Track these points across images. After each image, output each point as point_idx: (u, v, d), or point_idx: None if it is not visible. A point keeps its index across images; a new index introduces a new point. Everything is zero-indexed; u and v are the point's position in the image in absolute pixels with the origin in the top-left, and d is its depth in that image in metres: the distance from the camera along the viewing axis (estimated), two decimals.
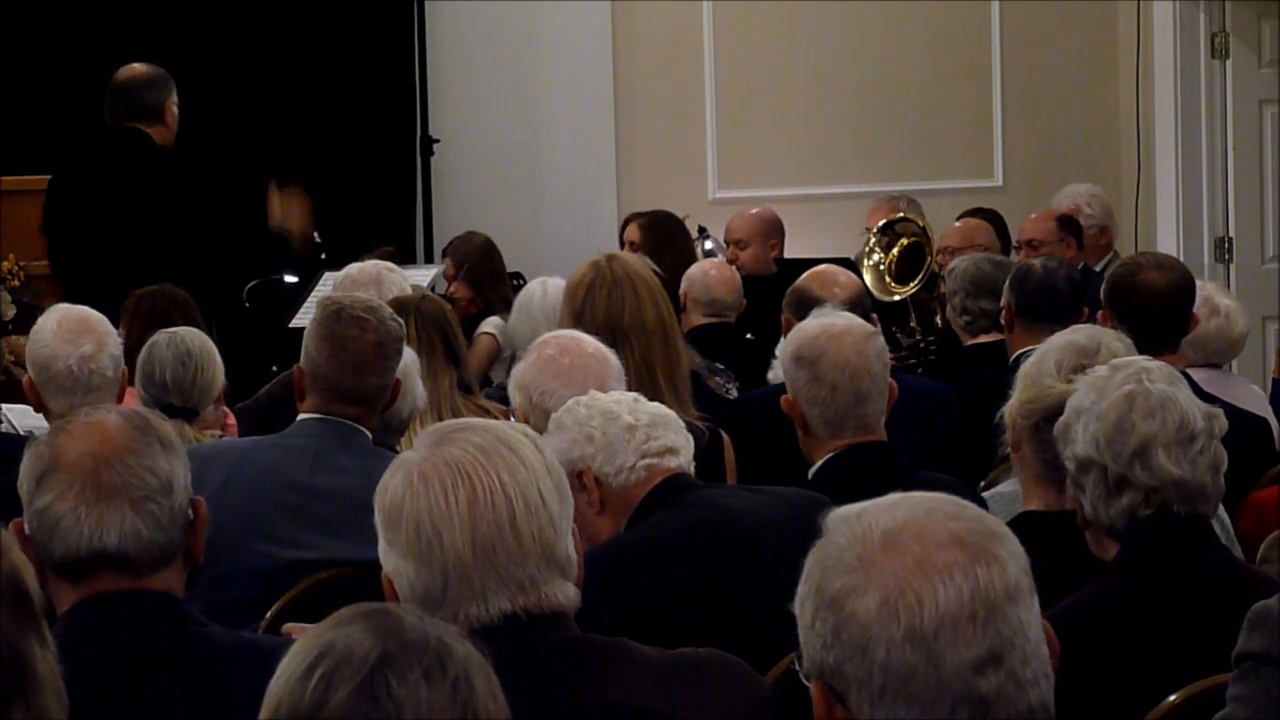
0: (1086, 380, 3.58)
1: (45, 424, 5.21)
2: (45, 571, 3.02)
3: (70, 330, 5.15)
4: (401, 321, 4.69)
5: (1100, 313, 5.54)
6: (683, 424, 3.99)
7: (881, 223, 8.63)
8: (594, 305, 5.11)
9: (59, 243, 7.79)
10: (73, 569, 3.00)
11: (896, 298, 8.26)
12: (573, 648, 2.76)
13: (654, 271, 6.35)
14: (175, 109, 7.80)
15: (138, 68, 7.83)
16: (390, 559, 2.76)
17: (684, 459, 3.92)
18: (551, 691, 2.71)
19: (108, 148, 7.76)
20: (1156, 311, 5.46)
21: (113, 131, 7.74)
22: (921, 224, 8.49)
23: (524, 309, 6.96)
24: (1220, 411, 3.56)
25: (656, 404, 3.99)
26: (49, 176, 7.97)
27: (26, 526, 3.02)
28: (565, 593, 2.76)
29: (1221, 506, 4.44)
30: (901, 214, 8.79)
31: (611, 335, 4.92)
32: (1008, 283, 6.24)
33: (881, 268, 8.33)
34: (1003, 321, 6.23)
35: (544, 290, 6.88)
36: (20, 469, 3.07)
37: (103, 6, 9.34)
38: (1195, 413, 3.49)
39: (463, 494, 2.73)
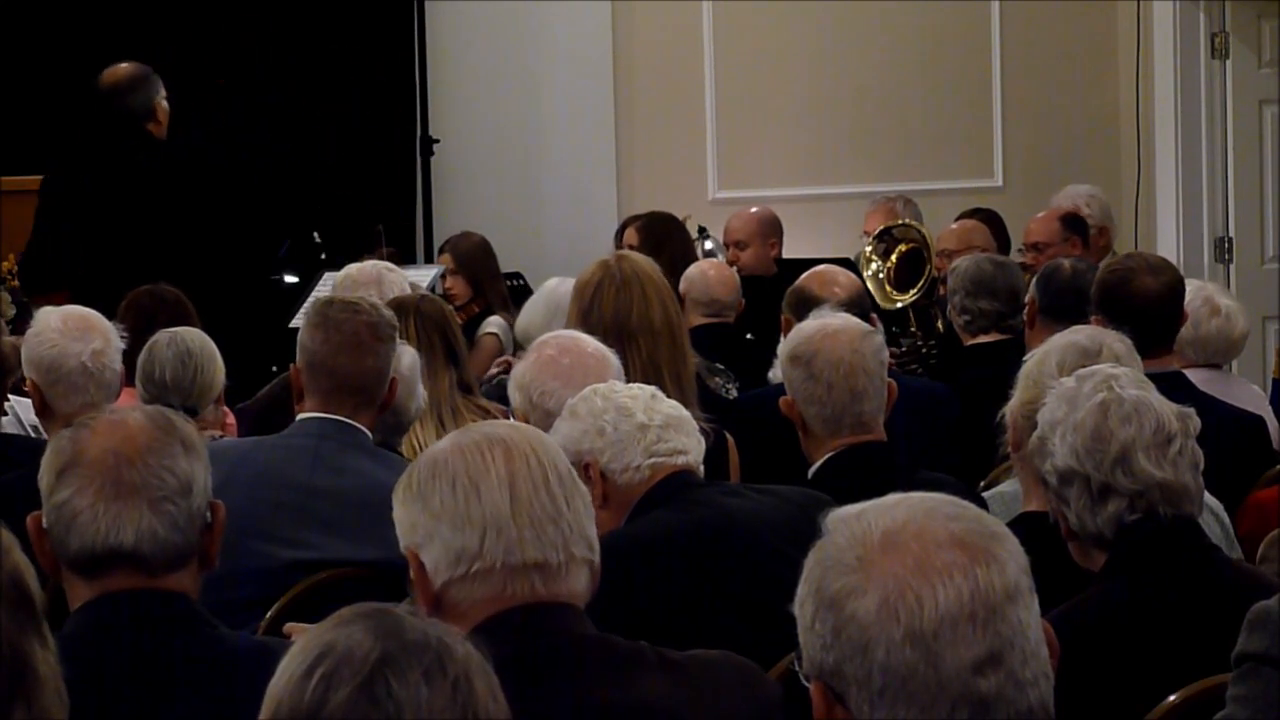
0: (1054, 393, 3.58)
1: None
2: (60, 566, 3.03)
3: (76, 328, 5.13)
4: (394, 312, 4.69)
5: (1093, 316, 5.53)
6: (696, 426, 3.99)
7: (879, 229, 8.62)
8: (602, 304, 5.12)
9: (55, 244, 7.77)
10: (88, 565, 3.01)
11: (899, 305, 8.25)
12: (591, 645, 2.76)
13: None
14: (164, 103, 7.78)
15: (122, 70, 7.78)
16: (418, 531, 2.76)
17: (692, 458, 3.93)
18: (569, 688, 2.72)
19: (105, 147, 7.74)
20: (1152, 315, 5.46)
21: (109, 130, 7.72)
22: (919, 229, 8.47)
23: (536, 300, 6.92)
24: (1192, 411, 3.57)
25: (673, 403, 3.99)
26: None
27: (44, 519, 3.04)
28: (582, 580, 2.79)
29: (1222, 507, 4.46)
30: (901, 220, 8.78)
31: (619, 335, 4.93)
32: (1035, 280, 6.25)
33: (881, 275, 8.32)
34: (1025, 318, 6.24)
35: (560, 284, 6.84)
36: (41, 462, 3.08)
37: (102, 7, 9.34)
38: (1169, 414, 3.51)
39: (499, 454, 2.78)
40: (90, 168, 7.77)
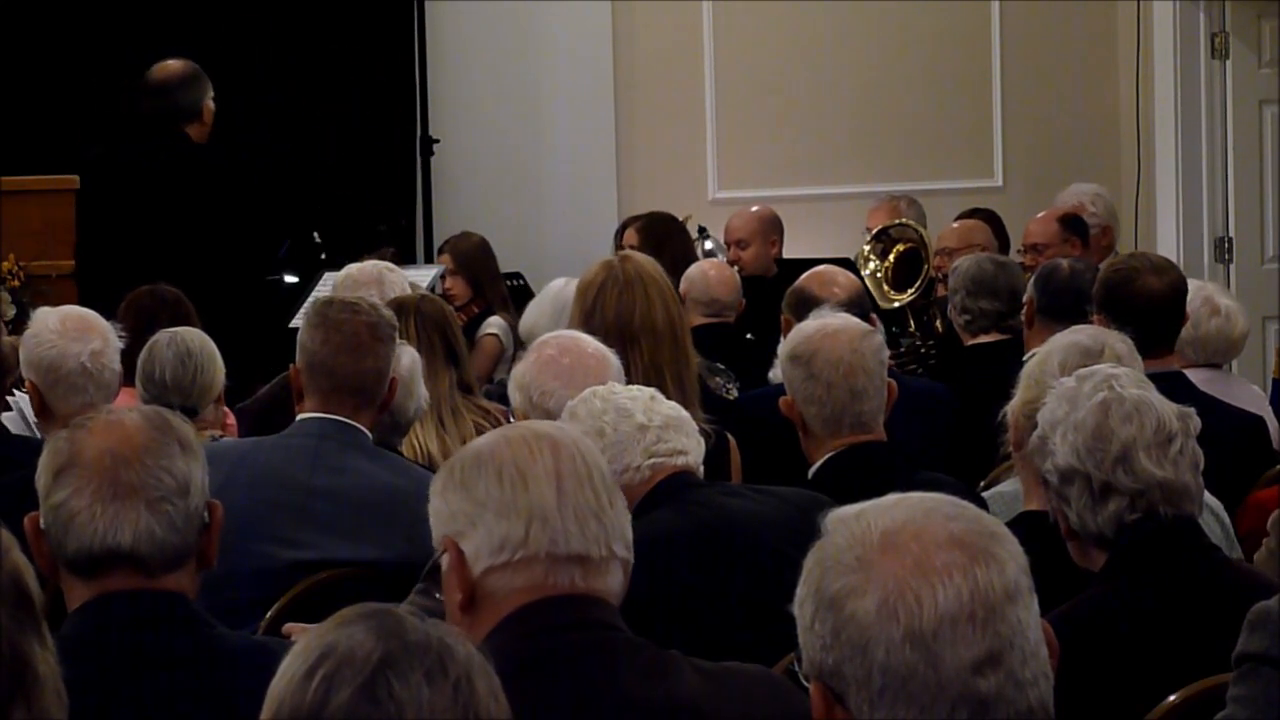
0: (1055, 393, 3.59)
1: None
2: (58, 566, 3.03)
3: (75, 328, 5.13)
4: (394, 312, 4.69)
5: (1095, 315, 5.54)
6: (695, 426, 3.99)
7: (876, 229, 8.62)
8: (604, 306, 5.11)
9: (90, 239, 7.78)
10: (85, 566, 3.01)
11: (896, 304, 8.25)
12: (627, 641, 2.77)
13: None
14: (212, 105, 7.79)
15: (174, 66, 7.79)
16: (459, 519, 2.76)
17: (692, 459, 3.93)
18: (605, 680, 2.72)
19: (144, 146, 7.74)
20: (1155, 315, 5.46)
21: (149, 130, 7.72)
22: (917, 229, 8.47)
23: (542, 301, 6.92)
24: (1193, 410, 3.57)
25: (672, 404, 3.99)
26: (58, 176, 7.97)
27: (42, 520, 3.04)
28: (618, 579, 2.79)
29: (1222, 507, 4.46)
30: (900, 220, 8.78)
31: (621, 336, 4.93)
32: (1033, 280, 6.25)
33: (879, 275, 8.32)
34: (1023, 317, 6.24)
35: (566, 285, 6.82)
36: (38, 462, 3.08)
37: (104, 7, 9.34)
38: (1170, 414, 3.51)
39: (547, 449, 2.78)
40: (93, 167, 7.77)
